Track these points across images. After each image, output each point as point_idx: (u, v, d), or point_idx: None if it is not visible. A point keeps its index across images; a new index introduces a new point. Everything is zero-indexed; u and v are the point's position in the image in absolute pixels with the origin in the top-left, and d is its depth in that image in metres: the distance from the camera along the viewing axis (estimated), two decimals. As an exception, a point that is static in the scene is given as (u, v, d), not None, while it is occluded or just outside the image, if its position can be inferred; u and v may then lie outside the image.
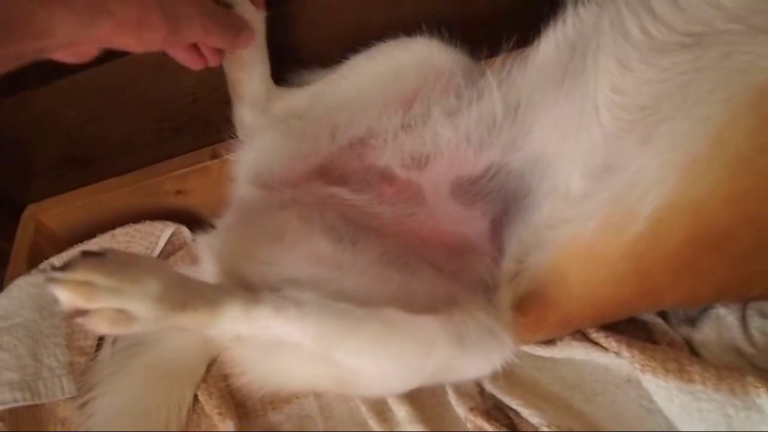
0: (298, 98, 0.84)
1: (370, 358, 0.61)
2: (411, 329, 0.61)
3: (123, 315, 0.54)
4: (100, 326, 0.53)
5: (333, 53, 0.82)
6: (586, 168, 0.64)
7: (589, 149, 0.64)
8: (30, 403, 0.80)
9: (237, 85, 0.82)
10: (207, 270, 0.71)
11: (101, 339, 0.92)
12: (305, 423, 0.80)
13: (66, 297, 0.52)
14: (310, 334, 0.60)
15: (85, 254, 0.54)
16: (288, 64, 0.84)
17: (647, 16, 0.63)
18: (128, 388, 0.79)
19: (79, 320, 0.52)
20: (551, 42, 0.71)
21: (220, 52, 0.76)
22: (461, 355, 0.62)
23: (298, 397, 0.82)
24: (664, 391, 0.68)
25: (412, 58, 0.79)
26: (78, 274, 0.52)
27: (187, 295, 0.57)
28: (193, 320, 0.57)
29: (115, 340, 0.91)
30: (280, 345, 0.62)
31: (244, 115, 0.83)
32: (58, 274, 0.52)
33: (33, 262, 0.93)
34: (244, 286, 0.64)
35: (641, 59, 0.62)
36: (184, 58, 0.72)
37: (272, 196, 0.77)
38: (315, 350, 0.61)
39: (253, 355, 0.68)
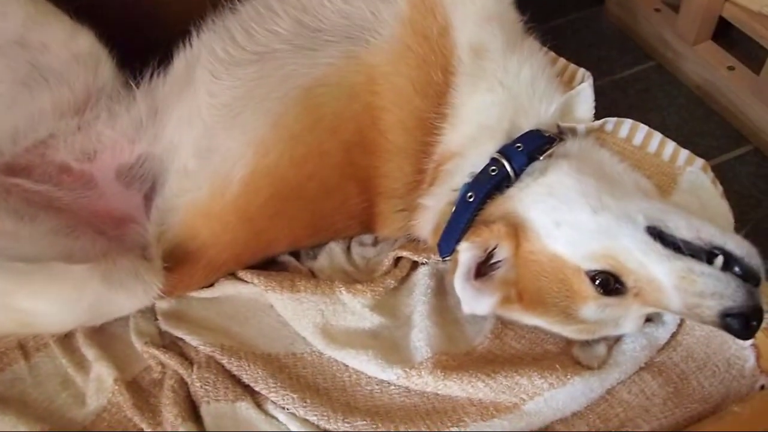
0: None
1: (38, 300, 0.89)
2: (67, 275, 0.89)
3: None
4: None
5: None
6: (195, 151, 0.97)
7: (197, 138, 0.97)
8: None
9: None
10: None
11: None
12: (15, 384, 1.01)
13: None
14: None
15: None
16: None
17: (229, 40, 0.98)
18: None
19: None
20: (180, 61, 1.03)
21: None
22: (107, 291, 0.92)
23: (10, 365, 1.04)
24: (281, 302, 1.02)
25: (83, 59, 1.03)
26: None
27: None
28: None
29: None
30: None
31: None
32: None
33: None
34: None
35: (224, 71, 0.96)
36: None
37: None
38: None
39: None
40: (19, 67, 1.00)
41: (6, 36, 0.98)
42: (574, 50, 1.21)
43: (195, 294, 1.07)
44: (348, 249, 1.13)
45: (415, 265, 1.08)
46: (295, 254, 1.13)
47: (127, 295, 0.94)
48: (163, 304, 1.04)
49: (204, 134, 0.96)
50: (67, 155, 1.03)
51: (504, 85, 0.96)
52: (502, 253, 0.89)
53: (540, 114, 0.97)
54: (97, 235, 0.98)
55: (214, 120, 0.96)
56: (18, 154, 1.03)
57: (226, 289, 1.06)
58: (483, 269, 0.90)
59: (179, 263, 1.00)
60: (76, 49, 1.01)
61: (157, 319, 1.04)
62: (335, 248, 1.11)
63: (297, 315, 1.01)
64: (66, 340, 1.03)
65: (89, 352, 1.00)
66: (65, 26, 1.00)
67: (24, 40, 0.98)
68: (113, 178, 1.04)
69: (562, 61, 1.17)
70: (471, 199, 0.91)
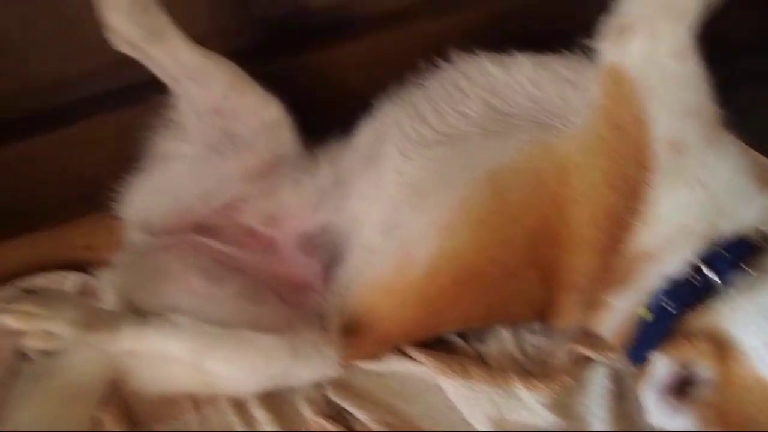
0: (185, 52, 0.98)
1: (228, 364, 0.92)
2: (257, 344, 0.92)
3: (50, 335, 0.83)
4: (34, 342, 0.83)
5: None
6: (380, 227, 0.97)
7: (382, 214, 0.97)
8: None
9: None
10: (106, 298, 1.02)
11: (12, 370, 1.19)
12: (187, 436, 1.07)
13: (11, 321, 0.81)
14: (185, 348, 0.91)
15: (25, 291, 0.84)
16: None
17: (418, 118, 0.98)
18: (36, 408, 1.01)
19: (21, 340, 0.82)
20: (364, 132, 1.05)
21: None
22: (293, 363, 0.94)
23: (183, 414, 1.07)
24: (452, 387, 0.99)
25: (269, 125, 1.07)
26: (21, 306, 0.82)
27: (95, 319, 0.87)
28: (98, 338, 0.87)
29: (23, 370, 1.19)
30: (164, 358, 0.93)
31: (114, 19, 0.93)
32: (6, 306, 0.81)
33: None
34: (136, 312, 0.95)
35: (413, 150, 0.96)
36: None
37: (156, 242, 1.07)
38: (188, 360, 0.92)
39: (143, 365, 0.97)
40: (212, 133, 1.05)
41: (206, 104, 1.03)
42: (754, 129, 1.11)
43: (362, 365, 1.06)
44: (517, 334, 1.08)
45: (589, 360, 1.02)
46: (461, 333, 1.10)
47: (309, 367, 0.96)
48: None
49: (390, 212, 0.96)
50: (252, 219, 1.08)
51: (703, 183, 0.88)
52: (705, 372, 0.81)
53: (741, 216, 0.89)
54: (279, 302, 1.01)
55: (401, 198, 0.96)
56: (207, 215, 1.08)
57: (394, 365, 1.05)
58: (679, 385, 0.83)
59: (352, 334, 1.00)
60: (266, 118, 1.05)
61: (324, 388, 1.04)
62: (504, 333, 1.07)
63: (468, 403, 0.99)
64: (237, 397, 1.04)
65: (259, 414, 1.02)
66: (258, 96, 1.04)
67: (221, 108, 1.03)
68: (294, 244, 1.07)
69: (761, 157, 1.07)
70: (668, 308, 0.85)
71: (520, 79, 0.96)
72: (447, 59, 1.02)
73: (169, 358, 0.92)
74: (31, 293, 0.86)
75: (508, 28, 1.13)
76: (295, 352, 0.94)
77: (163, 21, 0.95)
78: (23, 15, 1.07)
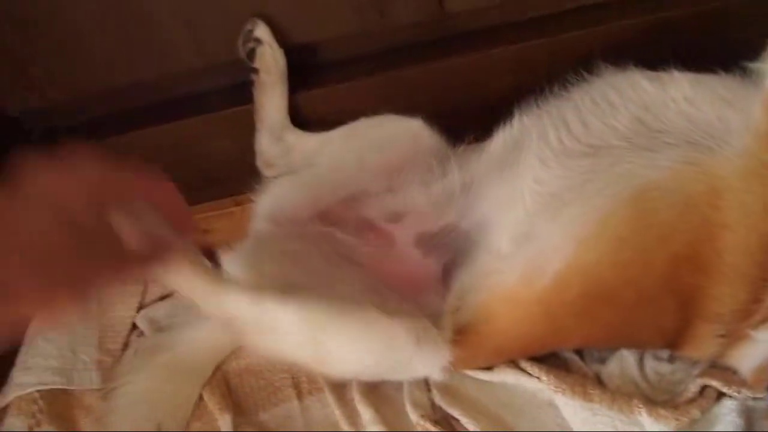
0: (309, 141, 1.18)
1: (347, 340, 0.92)
2: (381, 324, 0.92)
3: None
4: None
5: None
6: (511, 234, 0.95)
7: (515, 221, 0.95)
8: (64, 387, 1.09)
9: (259, 109, 1.17)
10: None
11: (126, 344, 1.23)
12: (287, 423, 1.07)
13: None
14: (305, 318, 0.91)
15: None
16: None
17: (563, 128, 0.95)
18: (146, 381, 1.07)
19: None
20: (500, 139, 1.04)
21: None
22: (413, 353, 0.93)
23: (284, 402, 1.09)
24: (570, 407, 0.97)
25: (405, 135, 1.12)
26: None
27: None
28: (208, 288, 0.93)
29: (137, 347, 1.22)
30: (276, 331, 0.93)
31: (263, 141, 1.18)
32: None
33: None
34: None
35: (555, 160, 0.94)
36: None
37: (282, 230, 1.10)
38: (305, 332, 0.92)
39: (257, 332, 0.97)
40: None
41: None
42: None
43: (471, 373, 1.05)
44: (641, 359, 1.04)
45: (719, 394, 0.97)
46: (578, 350, 1.08)
47: (424, 358, 0.95)
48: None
49: (524, 220, 0.94)
50: (374, 213, 1.09)
51: None
52: None
53: None
54: (395, 294, 1.01)
55: (537, 207, 0.94)
56: (333, 204, 1.11)
57: (506, 376, 1.04)
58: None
59: (466, 341, 0.99)
60: (411, 128, 1.12)
61: (431, 392, 1.04)
62: (628, 357, 1.04)
63: (586, 424, 0.96)
64: (340, 390, 1.06)
65: (365, 412, 1.02)
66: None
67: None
68: (412, 243, 1.07)
69: None
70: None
71: (675, 96, 0.92)
72: (594, 71, 0.99)
73: (285, 329, 0.93)
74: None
75: (657, 43, 1.11)
76: (417, 341, 0.93)
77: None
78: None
